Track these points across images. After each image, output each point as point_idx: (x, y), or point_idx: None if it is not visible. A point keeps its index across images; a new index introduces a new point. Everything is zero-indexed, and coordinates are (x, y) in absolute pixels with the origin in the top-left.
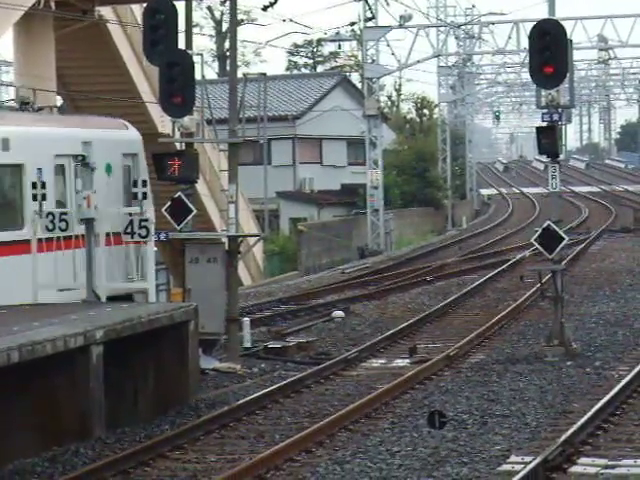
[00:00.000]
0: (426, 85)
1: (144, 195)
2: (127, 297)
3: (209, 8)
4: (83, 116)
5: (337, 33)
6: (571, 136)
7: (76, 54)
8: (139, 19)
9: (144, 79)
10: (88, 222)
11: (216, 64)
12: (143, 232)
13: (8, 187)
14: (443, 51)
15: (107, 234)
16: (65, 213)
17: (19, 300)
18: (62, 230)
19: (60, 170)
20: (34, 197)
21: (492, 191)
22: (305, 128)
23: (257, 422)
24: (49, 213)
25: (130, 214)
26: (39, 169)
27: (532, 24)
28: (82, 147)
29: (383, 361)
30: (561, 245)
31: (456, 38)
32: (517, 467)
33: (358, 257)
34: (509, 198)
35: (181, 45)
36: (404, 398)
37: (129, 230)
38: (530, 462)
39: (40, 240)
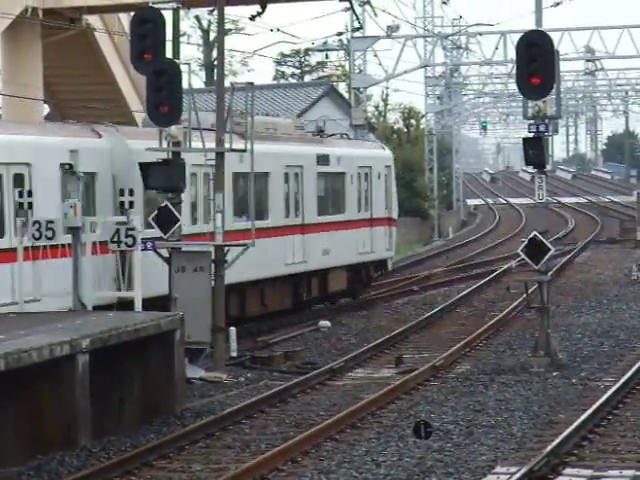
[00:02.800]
0: (413, 95)
1: (131, 204)
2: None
3: (197, 17)
4: (362, 141)
5: (324, 43)
6: (558, 147)
7: (63, 62)
8: (127, 28)
9: (131, 88)
10: (74, 231)
11: (203, 73)
12: (129, 241)
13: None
14: (430, 61)
15: (377, 218)
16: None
17: None
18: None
19: (365, 177)
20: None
21: (479, 201)
22: None
23: (243, 431)
24: None
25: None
26: (351, 176)
27: (519, 35)
28: (69, 156)
29: (369, 371)
30: (547, 256)
31: (443, 49)
32: (503, 477)
33: None
34: (495, 209)
35: (168, 54)
36: (390, 408)
37: (115, 239)
38: (516, 473)
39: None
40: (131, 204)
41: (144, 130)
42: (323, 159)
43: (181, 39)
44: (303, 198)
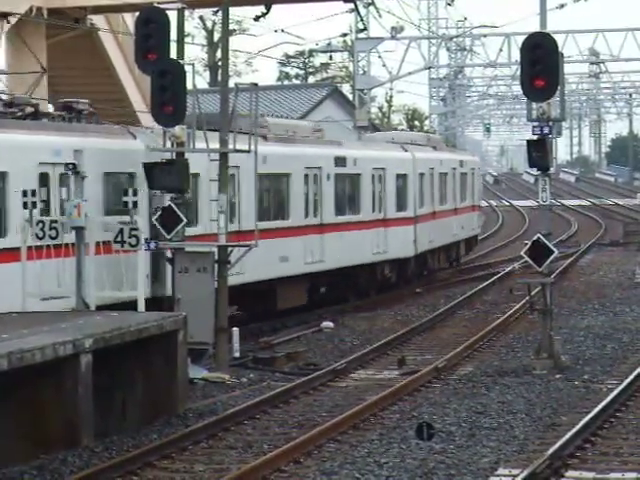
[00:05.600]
0: (417, 97)
1: (134, 204)
2: None
3: (201, 18)
4: (461, 150)
5: (329, 44)
6: (561, 149)
7: (68, 62)
8: (131, 28)
9: (135, 88)
10: (78, 231)
11: (207, 74)
12: (133, 241)
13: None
14: (434, 63)
15: (475, 205)
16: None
17: None
18: None
19: (472, 175)
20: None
21: (482, 203)
22: None
23: (245, 432)
24: None
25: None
26: (468, 174)
27: (524, 37)
28: (73, 155)
29: (372, 372)
30: (550, 258)
31: (447, 50)
32: None
33: None
34: (499, 211)
35: (173, 54)
36: (392, 409)
37: (119, 239)
38: (518, 475)
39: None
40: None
41: (423, 147)
42: (461, 163)
43: (185, 39)
44: (454, 190)
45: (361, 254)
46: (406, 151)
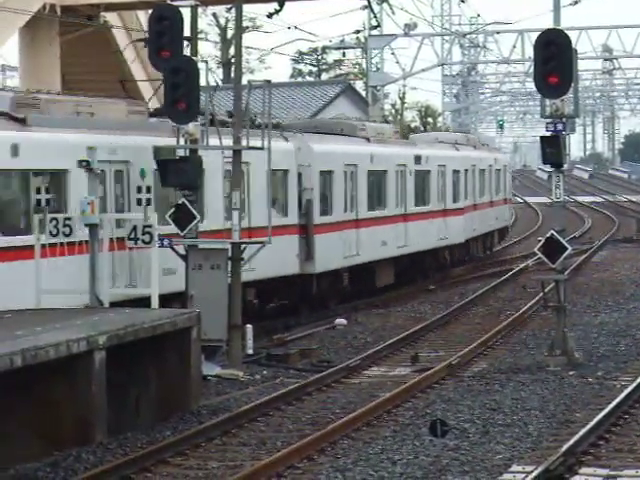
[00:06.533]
0: (430, 94)
1: (148, 201)
2: None
3: (214, 15)
4: (494, 148)
5: (342, 41)
6: (575, 146)
7: (81, 59)
8: (144, 25)
9: (149, 85)
10: (92, 228)
11: (221, 71)
12: (146, 238)
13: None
14: (448, 60)
15: (507, 198)
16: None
17: None
18: None
19: (504, 171)
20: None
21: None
22: None
23: (259, 429)
24: None
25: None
26: (502, 171)
27: (537, 34)
28: (87, 153)
29: (385, 369)
30: (564, 255)
31: (461, 47)
32: (518, 476)
33: None
34: (512, 207)
35: (186, 52)
36: (406, 406)
37: (133, 236)
38: (532, 472)
39: None
40: (148, 200)
41: (466, 147)
42: (495, 160)
43: (198, 37)
44: (491, 185)
45: (430, 240)
46: (458, 150)
